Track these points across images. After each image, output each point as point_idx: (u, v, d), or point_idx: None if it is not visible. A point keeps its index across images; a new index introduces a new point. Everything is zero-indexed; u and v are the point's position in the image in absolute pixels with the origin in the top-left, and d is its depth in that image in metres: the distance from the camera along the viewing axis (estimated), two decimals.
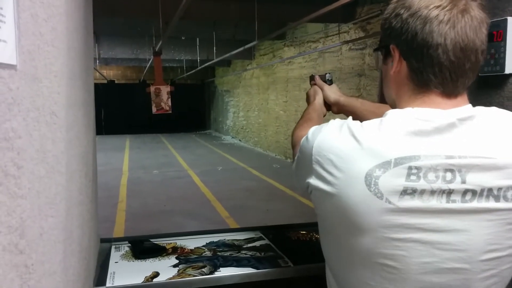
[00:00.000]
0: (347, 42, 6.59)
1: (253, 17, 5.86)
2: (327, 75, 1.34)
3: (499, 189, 0.69)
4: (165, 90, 6.61)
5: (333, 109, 1.30)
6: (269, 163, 9.80)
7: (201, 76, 17.54)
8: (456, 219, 0.70)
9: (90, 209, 0.98)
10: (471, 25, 0.71)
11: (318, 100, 1.28)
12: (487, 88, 1.24)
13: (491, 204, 0.69)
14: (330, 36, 7.80)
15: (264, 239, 1.44)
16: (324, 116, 1.29)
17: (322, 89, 1.30)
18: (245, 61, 12.90)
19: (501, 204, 0.69)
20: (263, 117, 11.92)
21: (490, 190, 0.69)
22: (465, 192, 0.69)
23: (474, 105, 0.76)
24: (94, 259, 1.11)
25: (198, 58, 10.83)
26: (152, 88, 6.57)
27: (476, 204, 0.69)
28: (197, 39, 10.11)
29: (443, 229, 0.70)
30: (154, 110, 6.62)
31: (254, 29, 6.19)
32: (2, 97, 0.40)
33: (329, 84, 1.32)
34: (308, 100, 1.32)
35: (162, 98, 6.67)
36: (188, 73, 13.60)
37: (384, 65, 0.82)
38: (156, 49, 6.72)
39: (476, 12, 0.71)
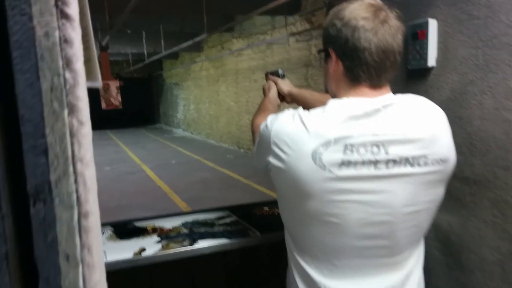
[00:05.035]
0: (293, 34, 6.84)
1: (201, 10, 5.94)
2: (279, 70, 1.50)
3: (414, 157, 0.87)
4: (114, 85, 6.50)
5: (287, 99, 1.46)
6: (223, 154, 9.94)
7: (148, 70, 17.22)
8: (382, 183, 0.87)
9: None
10: (390, 32, 0.89)
11: (273, 93, 1.44)
12: (414, 79, 1.46)
13: (408, 169, 0.87)
14: (278, 28, 8.01)
15: (233, 216, 1.63)
16: (279, 106, 1.47)
17: (276, 83, 1.46)
18: (193, 53, 12.87)
19: (416, 169, 0.87)
20: (214, 109, 12.00)
21: (407, 159, 0.86)
22: (388, 161, 0.86)
23: (404, 93, 0.97)
24: None
25: (145, 52, 10.68)
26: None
27: (397, 170, 0.86)
28: (143, 32, 9.97)
29: (372, 191, 0.87)
30: (103, 106, 6.50)
31: (201, 22, 6.25)
32: None
33: (282, 78, 1.48)
34: (264, 93, 1.48)
35: (112, 93, 6.56)
36: (135, 67, 13.35)
37: (325, 65, 1.00)
38: (103, 44, 6.61)
39: (394, 21, 0.90)
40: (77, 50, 0.29)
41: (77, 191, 0.30)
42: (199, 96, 13.40)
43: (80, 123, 0.30)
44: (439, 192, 0.95)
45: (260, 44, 8.41)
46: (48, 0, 0.29)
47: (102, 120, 15.51)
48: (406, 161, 0.87)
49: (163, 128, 17.82)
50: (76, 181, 0.29)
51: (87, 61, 0.33)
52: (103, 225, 1.55)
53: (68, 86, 0.29)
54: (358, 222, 0.89)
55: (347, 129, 0.87)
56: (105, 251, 1.30)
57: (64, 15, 0.28)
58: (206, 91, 12.64)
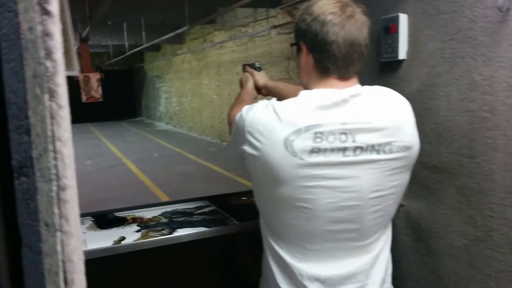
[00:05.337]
0: (275, 26, 6.86)
1: (183, 2, 5.90)
2: (256, 63, 1.55)
3: (379, 145, 0.92)
4: (94, 77, 6.40)
5: (262, 92, 1.50)
6: (205, 147, 9.95)
7: (129, 62, 17.00)
8: (350, 169, 0.92)
9: None
10: (356, 26, 0.94)
11: (250, 85, 1.48)
12: (386, 71, 1.51)
13: (374, 156, 0.92)
14: (259, 20, 8.01)
15: (212, 206, 1.67)
16: (255, 98, 1.51)
17: (252, 75, 1.50)
18: (175, 45, 12.77)
19: (381, 156, 0.92)
20: (197, 102, 11.97)
21: (373, 146, 0.91)
22: (355, 148, 0.91)
23: (376, 84, 1.02)
24: None
25: (126, 43, 10.54)
26: (80, 76, 6.37)
27: (364, 156, 0.91)
28: (124, 24, 9.84)
29: (341, 177, 0.92)
30: (84, 98, 6.40)
31: (183, 13, 6.21)
32: None
33: (258, 71, 1.52)
34: (241, 85, 1.52)
35: (92, 86, 6.46)
36: (116, 59, 13.17)
37: (297, 57, 1.04)
38: (83, 36, 6.52)
39: (360, 16, 0.95)
40: (57, 42, 0.33)
41: (56, 167, 0.33)
42: (181, 89, 13.33)
43: (59, 106, 0.33)
44: (403, 177, 1.00)
45: (242, 37, 8.41)
46: None
47: (82, 113, 15.29)
48: (373, 148, 0.92)
49: (145, 121, 17.67)
50: (55, 157, 0.33)
51: (66, 52, 0.37)
52: (83, 215, 1.57)
53: (49, 74, 0.33)
54: (328, 207, 0.94)
55: (317, 118, 0.91)
56: (85, 240, 1.32)
57: (45, 12, 0.32)
58: (188, 84, 12.58)
